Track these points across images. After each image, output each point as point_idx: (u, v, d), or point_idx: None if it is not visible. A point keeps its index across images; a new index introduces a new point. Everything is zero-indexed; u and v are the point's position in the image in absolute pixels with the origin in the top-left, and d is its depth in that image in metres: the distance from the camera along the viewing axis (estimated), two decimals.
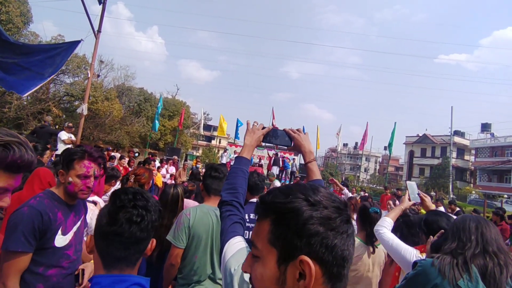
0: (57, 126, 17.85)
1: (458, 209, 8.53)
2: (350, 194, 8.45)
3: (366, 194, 12.67)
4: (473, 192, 29.86)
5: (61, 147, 7.62)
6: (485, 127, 39.94)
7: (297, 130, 1.52)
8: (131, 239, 0.91)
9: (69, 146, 7.89)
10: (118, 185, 4.66)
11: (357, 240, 2.46)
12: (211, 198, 2.24)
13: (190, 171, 10.33)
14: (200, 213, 2.09)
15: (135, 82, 29.14)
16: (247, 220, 2.43)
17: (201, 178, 2.51)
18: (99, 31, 8.64)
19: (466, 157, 40.82)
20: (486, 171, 34.92)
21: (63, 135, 7.92)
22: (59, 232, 1.53)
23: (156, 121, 18.86)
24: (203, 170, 12.77)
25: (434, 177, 35.19)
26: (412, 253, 1.92)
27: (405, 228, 2.60)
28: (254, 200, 2.53)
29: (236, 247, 1.11)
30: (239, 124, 22.45)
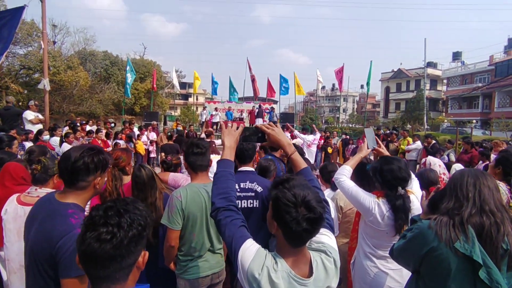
0: (20, 104, 16.70)
1: (434, 141, 9.00)
2: (303, 136, 8.37)
3: (347, 136, 13.04)
4: (445, 120, 31.37)
5: (28, 128, 7.21)
6: (456, 56, 40.59)
7: (269, 124, 1.54)
8: (104, 257, 0.88)
9: (38, 125, 7.47)
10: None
11: None
12: (198, 175, 2.24)
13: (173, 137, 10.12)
14: (191, 193, 2.10)
15: (97, 46, 27.03)
16: (238, 190, 2.45)
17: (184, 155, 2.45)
18: None
19: (439, 88, 42.04)
20: (457, 99, 36.32)
21: (29, 114, 7.43)
22: None
23: (127, 86, 17.90)
24: (186, 131, 12.53)
25: (409, 110, 36.36)
26: (370, 200, 2.02)
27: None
28: (245, 168, 2.53)
29: (252, 251, 1.13)
30: (214, 80, 21.75)
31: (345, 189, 2.14)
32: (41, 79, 7.83)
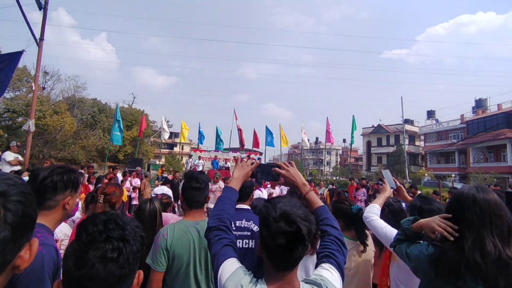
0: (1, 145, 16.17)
1: (419, 192, 9.09)
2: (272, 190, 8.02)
3: (334, 186, 13.05)
4: (426, 174, 32.29)
5: (6, 170, 6.85)
6: (430, 114, 43.45)
7: (284, 163, 1.53)
8: (108, 280, 0.75)
9: (17, 167, 7.13)
10: (79, 206, 4.24)
11: (346, 239, 2.44)
12: (191, 212, 2.07)
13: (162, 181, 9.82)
14: (178, 231, 1.92)
15: (86, 93, 27.30)
16: (233, 228, 2.31)
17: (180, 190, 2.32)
18: (41, 38, 7.93)
19: (417, 143, 44.03)
20: (434, 154, 37.96)
21: (8, 155, 7.12)
22: None
23: (115, 133, 17.56)
24: (170, 177, 12.16)
25: (391, 164, 37.46)
26: None
27: (391, 217, 2.64)
28: (241, 206, 2.41)
29: (231, 269, 1.09)
30: (201, 130, 22.06)
31: (378, 229, 2.01)
32: (27, 120, 7.70)
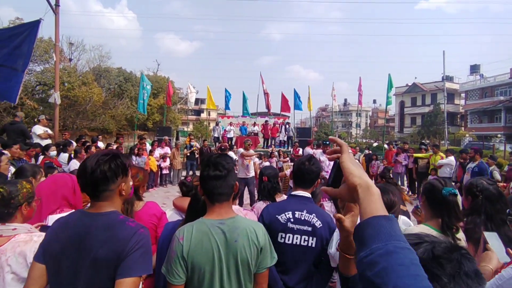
0: (35, 120, 16.71)
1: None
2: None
3: (370, 151, 12.29)
4: (467, 135, 30.10)
5: (37, 143, 6.81)
6: (474, 69, 39.64)
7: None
8: None
9: (47, 140, 7.08)
10: None
11: (431, 230, 1.89)
12: (215, 208, 1.52)
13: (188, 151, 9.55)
14: (197, 234, 1.42)
15: (111, 62, 27.29)
16: (291, 220, 1.82)
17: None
18: (57, 4, 7.48)
19: (456, 101, 40.85)
20: (476, 113, 35.08)
21: (38, 129, 7.07)
22: None
23: (141, 101, 17.35)
24: (198, 147, 11.91)
25: (427, 125, 35.24)
26: None
27: (489, 205, 2.04)
28: (302, 193, 1.91)
29: None
30: (227, 95, 21.48)
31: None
32: (52, 93, 7.54)
